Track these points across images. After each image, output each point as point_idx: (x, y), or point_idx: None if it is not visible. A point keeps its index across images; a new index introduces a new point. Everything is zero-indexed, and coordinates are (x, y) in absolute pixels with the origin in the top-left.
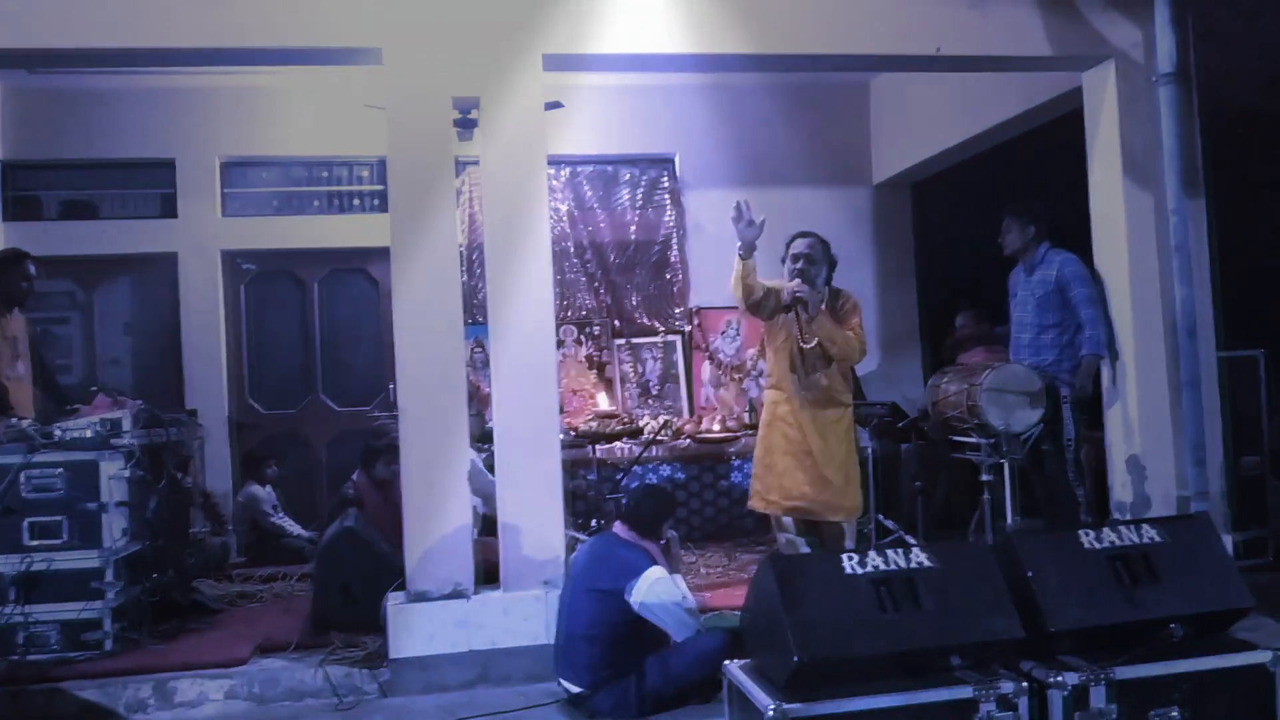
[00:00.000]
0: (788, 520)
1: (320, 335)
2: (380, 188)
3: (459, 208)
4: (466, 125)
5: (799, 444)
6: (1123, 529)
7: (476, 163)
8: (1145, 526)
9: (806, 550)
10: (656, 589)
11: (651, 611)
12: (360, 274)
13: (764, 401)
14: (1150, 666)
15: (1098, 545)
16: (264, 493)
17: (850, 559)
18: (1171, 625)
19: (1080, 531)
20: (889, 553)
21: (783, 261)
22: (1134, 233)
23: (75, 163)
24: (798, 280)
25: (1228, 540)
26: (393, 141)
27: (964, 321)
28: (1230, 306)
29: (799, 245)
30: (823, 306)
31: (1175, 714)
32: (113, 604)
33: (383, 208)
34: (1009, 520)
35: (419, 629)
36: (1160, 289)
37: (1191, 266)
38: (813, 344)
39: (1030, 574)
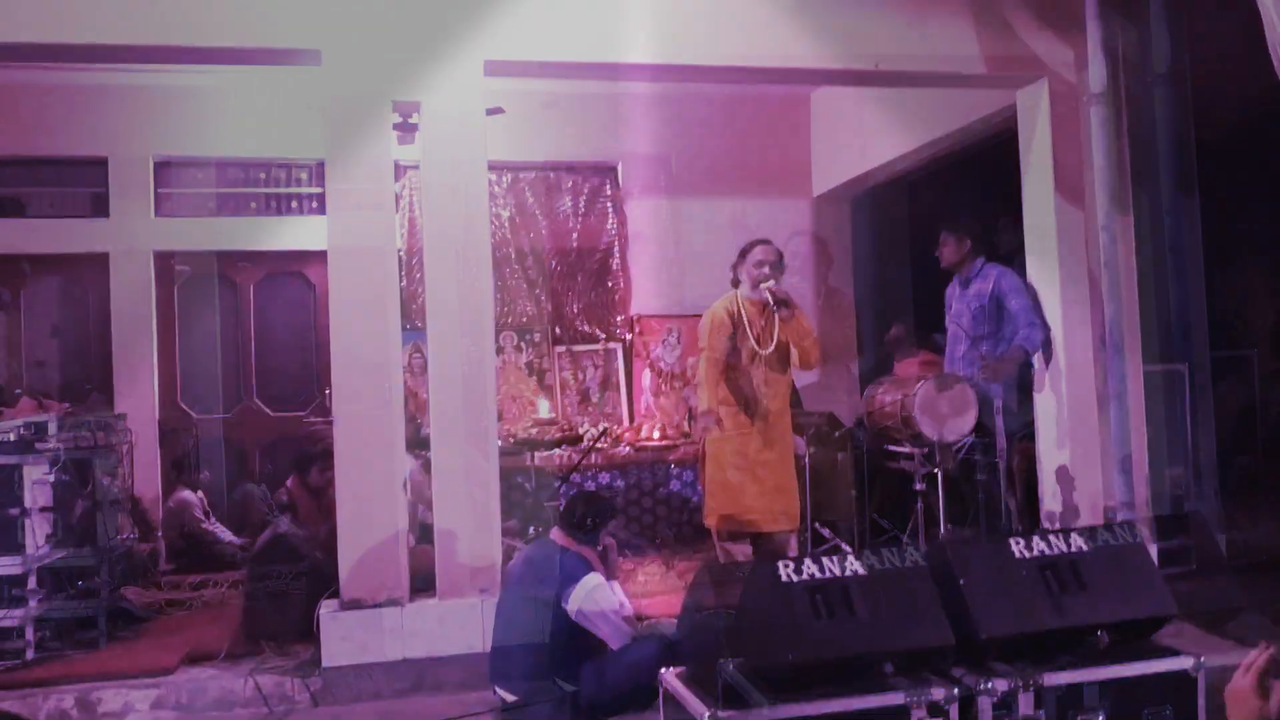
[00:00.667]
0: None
1: (255, 339)
2: (319, 190)
3: (399, 212)
4: (407, 129)
5: (753, 457)
6: (1052, 538)
7: (417, 166)
8: (1074, 535)
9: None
10: (594, 596)
11: (589, 619)
12: (297, 277)
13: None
14: (1077, 673)
15: (1027, 554)
16: (194, 498)
17: (786, 566)
18: (1098, 632)
19: (1010, 540)
20: (824, 560)
21: (733, 268)
22: (1065, 248)
23: (3, 159)
24: (771, 280)
25: (1153, 549)
26: (331, 144)
27: (898, 331)
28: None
29: (759, 252)
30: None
31: (1101, 719)
32: (35, 612)
33: (321, 210)
34: (942, 529)
35: (352, 637)
36: (1090, 303)
37: (1120, 282)
38: (771, 349)
39: (962, 582)
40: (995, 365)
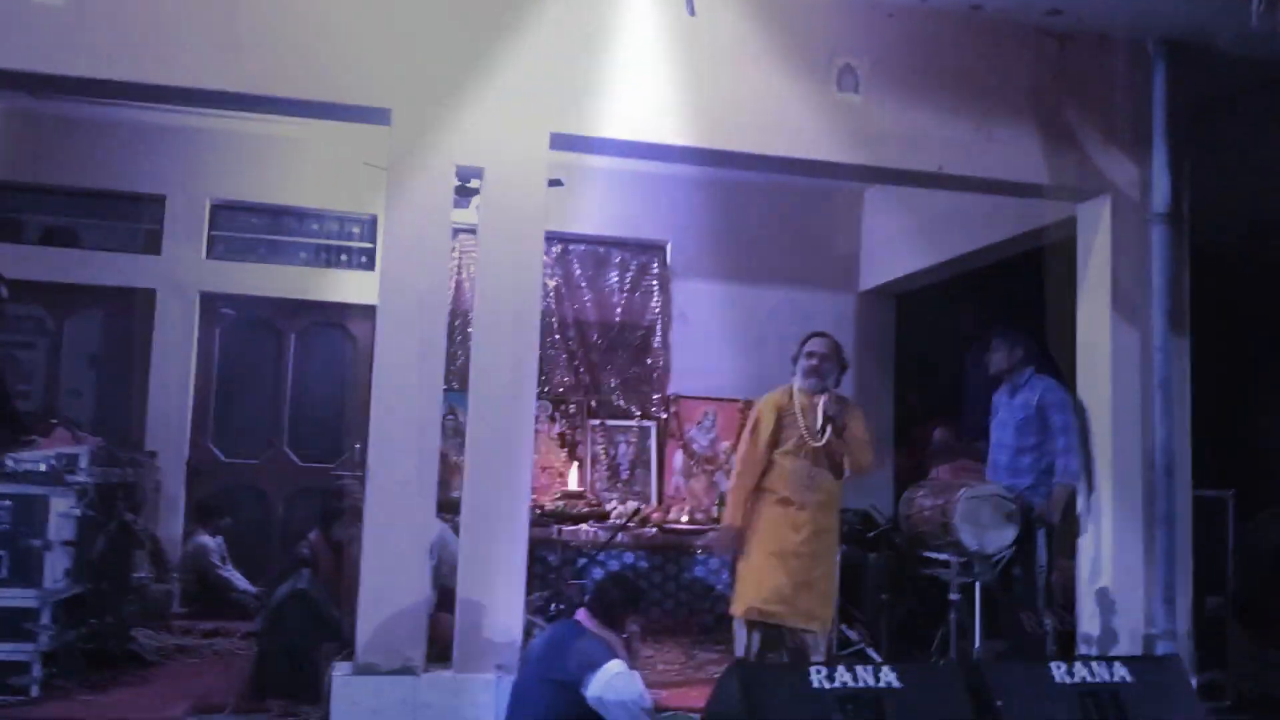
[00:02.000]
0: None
1: (291, 387)
2: (369, 245)
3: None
4: (465, 194)
5: (791, 544)
6: (1094, 665)
7: (468, 229)
8: (1117, 664)
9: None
10: (615, 684)
11: (607, 708)
12: (339, 329)
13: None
14: None
15: (1069, 680)
16: (213, 543)
17: (819, 673)
18: None
19: (1051, 665)
20: (857, 669)
21: (794, 360)
22: (1118, 366)
23: (61, 189)
24: (825, 396)
25: (1192, 681)
26: (391, 202)
27: (941, 435)
28: (1201, 445)
29: (813, 344)
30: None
31: None
32: (44, 648)
33: (369, 265)
34: (975, 642)
35: (363, 702)
36: (1141, 424)
37: (1173, 404)
38: (822, 442)
39: (999, 704)
40: (1048, 513)
